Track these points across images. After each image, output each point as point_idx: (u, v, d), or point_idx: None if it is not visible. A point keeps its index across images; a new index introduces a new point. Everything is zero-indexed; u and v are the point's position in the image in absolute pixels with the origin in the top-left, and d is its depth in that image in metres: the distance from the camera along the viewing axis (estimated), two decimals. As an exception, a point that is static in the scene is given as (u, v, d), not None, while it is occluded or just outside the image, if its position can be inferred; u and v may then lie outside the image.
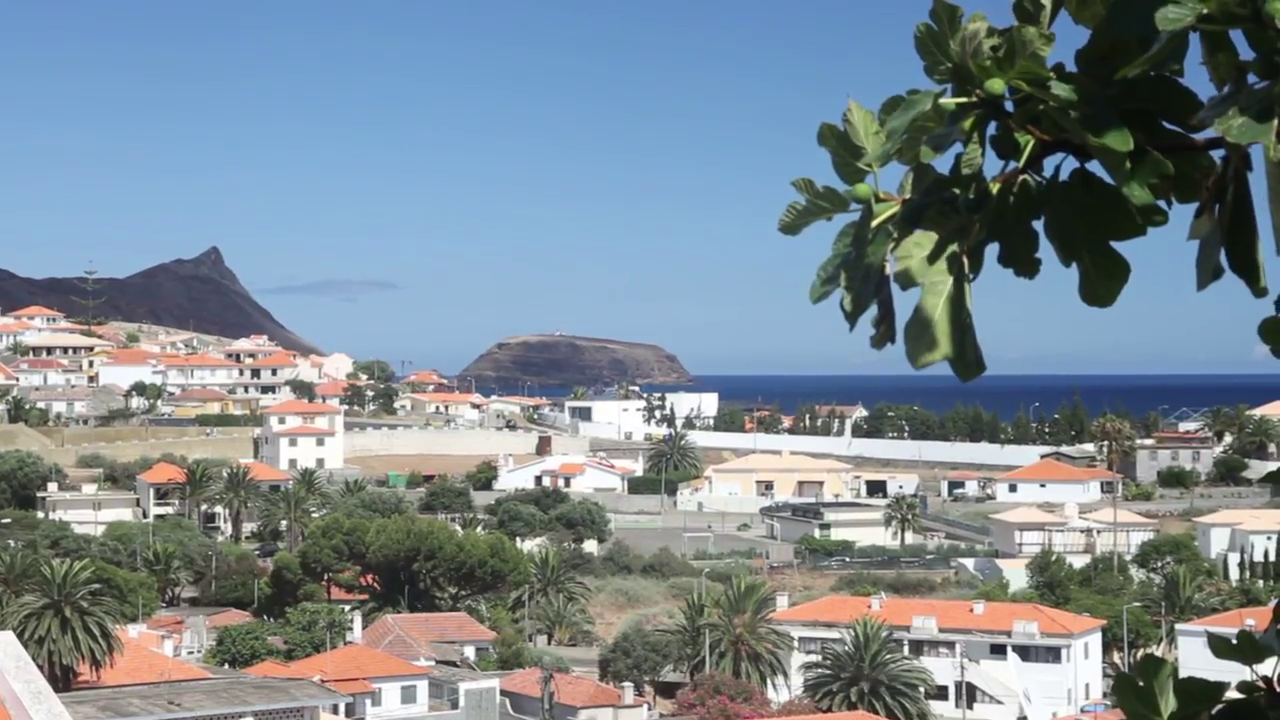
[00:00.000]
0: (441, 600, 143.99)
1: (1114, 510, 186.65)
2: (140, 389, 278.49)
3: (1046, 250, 3.57)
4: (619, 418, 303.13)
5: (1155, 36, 3.42)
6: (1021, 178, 3.57)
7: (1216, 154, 3.55)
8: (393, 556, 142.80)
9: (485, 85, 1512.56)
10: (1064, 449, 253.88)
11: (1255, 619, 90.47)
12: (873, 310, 3.62)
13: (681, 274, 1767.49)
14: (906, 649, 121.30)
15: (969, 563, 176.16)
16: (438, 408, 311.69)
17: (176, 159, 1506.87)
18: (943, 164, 3.62)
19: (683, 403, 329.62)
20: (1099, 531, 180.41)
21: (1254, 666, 3.89)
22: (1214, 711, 3.81)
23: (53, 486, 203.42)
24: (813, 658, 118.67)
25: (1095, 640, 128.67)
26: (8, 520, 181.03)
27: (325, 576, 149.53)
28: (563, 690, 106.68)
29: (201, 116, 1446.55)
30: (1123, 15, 3.44)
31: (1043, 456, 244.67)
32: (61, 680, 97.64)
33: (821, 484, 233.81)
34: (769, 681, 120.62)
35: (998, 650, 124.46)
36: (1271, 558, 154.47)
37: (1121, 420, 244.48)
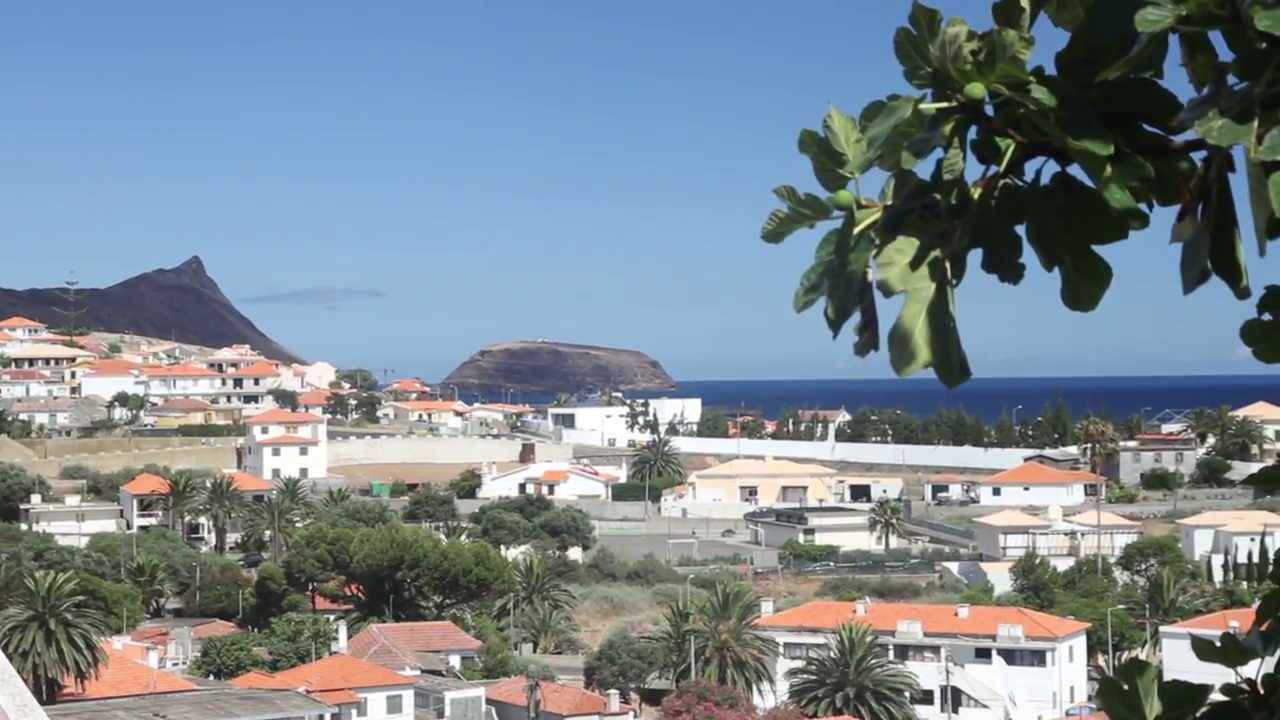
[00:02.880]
0: (426, 609, 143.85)
1: (1098, 513, 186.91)
2: (123, 400, 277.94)
3: (1029, 254, 3.57)
4: (602, 424, 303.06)
5: (1135, 38, 3.42)
6: (1003, 182, 3.56)
7: (1198, 155, 3.55)
8: (377, 566, 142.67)
9: (467, 92, 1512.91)
10: (1047, 452, 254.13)
11: (1239, 621, 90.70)
12: (856, 318, 3.61)
13: (664, 280, 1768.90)
14: (891, 654, 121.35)
15: (953, 567, 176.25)
16: (421, 416, 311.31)
17: (157, 168, 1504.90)
18: (924, 170, 3.62)
19: (666, 409, 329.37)
20: (1083, 534, 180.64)
21: (1238, 669, 3.89)
22: (1198, 714, 3.81)
23: (36, 498, 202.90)
24: (798, 663, 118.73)
25: (1080, 643, 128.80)
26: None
27: (310, 586, 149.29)
28: (548, 698, 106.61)
29: (182, 125, 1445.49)
30: (1102, 17, 3.44)
31: (1026, 459, 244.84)
32: (46, 693, 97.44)
33: (805, 489, 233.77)
34: (754, 688, 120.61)
35: (982, 654, 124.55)
36: (1255, 559, 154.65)
37: (1104, 422, 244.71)
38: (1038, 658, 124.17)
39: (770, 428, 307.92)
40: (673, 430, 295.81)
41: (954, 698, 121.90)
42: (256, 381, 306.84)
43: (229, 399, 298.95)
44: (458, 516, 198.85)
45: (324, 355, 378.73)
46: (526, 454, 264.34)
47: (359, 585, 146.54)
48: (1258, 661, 3.86)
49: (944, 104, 3.56)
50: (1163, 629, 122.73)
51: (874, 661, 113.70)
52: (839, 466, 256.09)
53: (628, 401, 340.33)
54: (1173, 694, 3.80)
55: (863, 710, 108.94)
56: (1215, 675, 3.96)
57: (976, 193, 3.57)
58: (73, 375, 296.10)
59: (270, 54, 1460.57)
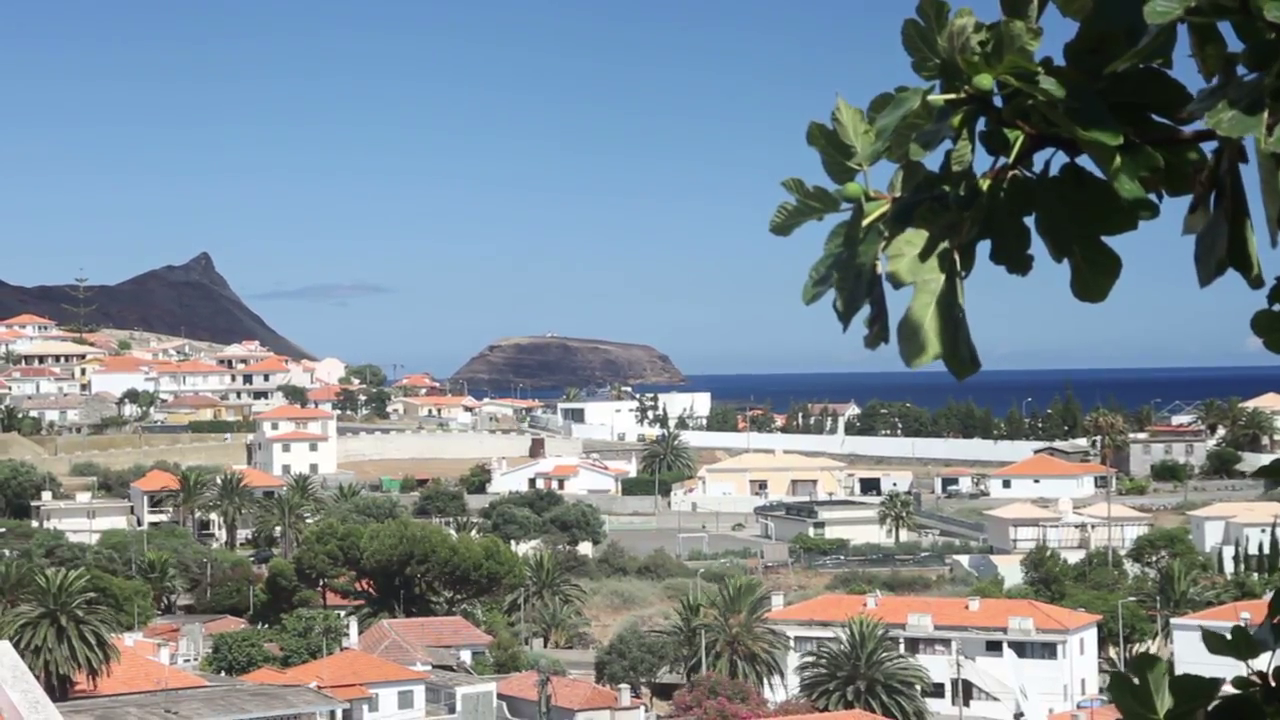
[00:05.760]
0: (437, 604, 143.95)
1: (1108, 505, 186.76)
2: (133, 396, 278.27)
3: (1038, 246, 3.56)
4: (612, 419, 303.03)
5: (1144, 29, 3.41)
6: (1012, 173, 3.55)
7: (1208, 146, 3.54)
8: (387, 561, 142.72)
9: (475, 86, 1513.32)
10: (1057, 444, 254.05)
11: (1250, 613, 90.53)
12: (865, 310, 3.60)
13: (674, 274, 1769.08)
14: (902, 647, 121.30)
15: (964, 560, 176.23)
16: (430, 411, 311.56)
17: (166, 164, 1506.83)
18: (933, 161, 3.61)
19: (675, 403, 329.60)
20: (1093, 526, 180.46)
21: (1249, 661, 3.88)
22: (1210, 708, 3.79)
23: (47, 495, 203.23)
24: (809, 657, 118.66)
25: (1091, 636, 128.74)
26: (2, 530, 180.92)
27: (320, 582, 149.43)
28: (559, 693, 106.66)
29: (190, 121, 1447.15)
30: (1110, 8, 3.43)
31: (1036, 452, 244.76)
32: (58, 690, 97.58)
33: (815, 482, 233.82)
34: (765, 681, 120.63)
35: (993, 647, 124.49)
36: (1265, 551, 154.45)
37: (1114, 414, 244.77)
38: (1048, 650, 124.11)
39: (779, 421, 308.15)
40: (682, 424, 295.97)
41: (965, 691, 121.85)
42: (266, 378, 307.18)
43: (239, 395, 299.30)
44: (468, 512, 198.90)
45: (333, 351, 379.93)
46: (536, 449, 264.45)
47: (369, 581, 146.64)
48: (1269, 654, 3.85)
49: (952, 95, 3.55)
50: (1173, 621, 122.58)
51: (885, 655, 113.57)
52: (848, 460, 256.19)
53: (637, 396, 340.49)
54: (1184, 688, 3.79)
55: (874, 704, 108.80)
56: (1226, 668, 3.94)
57: (985, 184, 3.56)
58: (83, 372, 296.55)
59: (278, 49, 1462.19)
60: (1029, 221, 3.55)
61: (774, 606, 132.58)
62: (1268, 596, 3.96)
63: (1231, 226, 3.48)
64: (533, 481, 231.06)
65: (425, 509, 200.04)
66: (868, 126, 3.65)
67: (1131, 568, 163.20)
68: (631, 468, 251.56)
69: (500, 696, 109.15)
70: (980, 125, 3.55)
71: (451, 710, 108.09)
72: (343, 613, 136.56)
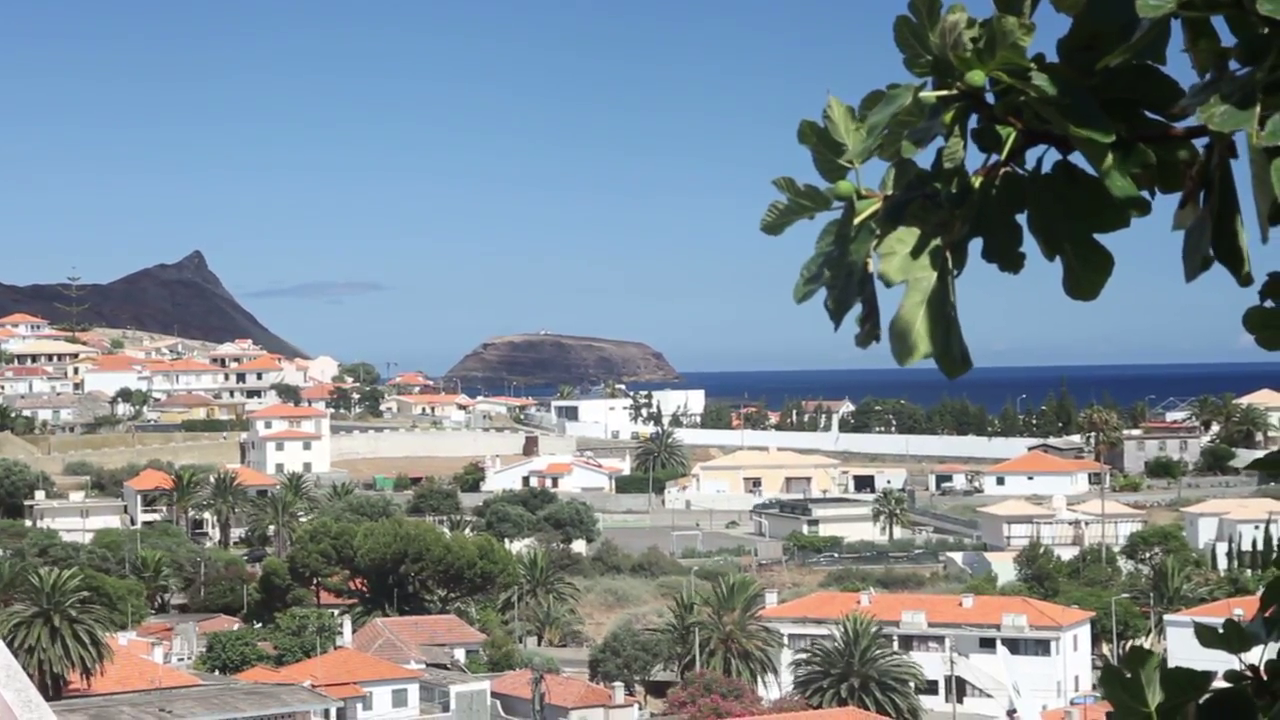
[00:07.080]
0: (431, 603, 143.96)
1: (1102, 501, 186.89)
2: (126, 395, 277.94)
3: (1030, 243, 3.56)
4: (606, 417, 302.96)
5: (1136, 24, 3.40)
6: (1004, 171, 3.55)
7: (1200, 142, 3.54)
8: (381, 560, 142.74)
9: (468, 84, 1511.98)
10: (1051, 441, 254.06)
11: (1243, 609, 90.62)
12: (857, 308, 3.58)
13: (668, 271, 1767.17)
14: (896, 644, 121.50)
15: (957, 557, 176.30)
16: (424, 409, 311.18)
17: (158, 163, 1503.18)
18: (925, 159, 3.60)
19: (669, 400, 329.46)
20: (1087, 523, 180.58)
21: (1241, 656, 3.89)
22: (1201, 701, 3.80)
23: (40, 494, 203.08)
24: (802, 655, 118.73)
25: (1084, 632, 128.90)
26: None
27: (314, 581, 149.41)
28: (553, 691, 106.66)
29: (183, 119, 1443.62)
30: (1103, 3, 3.43)
31: (1030, 448, 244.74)
32: (52, 689, 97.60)
33: (809, 480, 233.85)
34: (759, 679, 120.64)
35: (987, 644, 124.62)
36: (1259, 547, 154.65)
37: (1108, 411, 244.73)
38: (1042, 647, 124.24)
39: (774, 419, 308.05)
40: (676, 422, 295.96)
41: (959, 687, 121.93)
42: (259, 376, 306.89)
43: (232, 394, 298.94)
44: (461, 510, 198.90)
45: (327, 349, 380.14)
46: (530, 447, 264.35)
47: (363, 579, 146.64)
48: (1261, 648, 3.85)
49: (944, 92, 3.54)
50: (1167, 617, 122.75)
51: (878, 652, 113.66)
52: (843, 457, 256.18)
53: (631, 393, 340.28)
54: (1175, 681, 3.79)
55: (867, 701, 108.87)
56: (1219, 663, 3.95)
57: (977, 181, 3.55)
58: (75, 371, 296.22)
59: (270, 47, 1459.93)
60: (1021, 219, 3.55)
61: (768, 604, 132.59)
62: (1260, 592, 3.96)
63: (1222, 223, 3.48)
64: (526, 479, 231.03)
65: (419, 507, 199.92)
66: (859, 124, 3.65)
67: (1125, 564, 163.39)
68: (625, 465, 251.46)
69: (494, 695, 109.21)
70: (972, 122, 3.55)
71: (445, 709, 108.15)
72: (336, 611, 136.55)
